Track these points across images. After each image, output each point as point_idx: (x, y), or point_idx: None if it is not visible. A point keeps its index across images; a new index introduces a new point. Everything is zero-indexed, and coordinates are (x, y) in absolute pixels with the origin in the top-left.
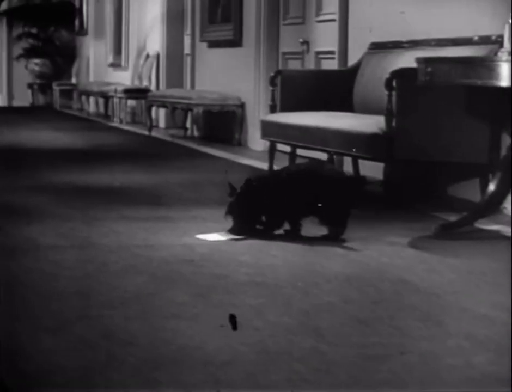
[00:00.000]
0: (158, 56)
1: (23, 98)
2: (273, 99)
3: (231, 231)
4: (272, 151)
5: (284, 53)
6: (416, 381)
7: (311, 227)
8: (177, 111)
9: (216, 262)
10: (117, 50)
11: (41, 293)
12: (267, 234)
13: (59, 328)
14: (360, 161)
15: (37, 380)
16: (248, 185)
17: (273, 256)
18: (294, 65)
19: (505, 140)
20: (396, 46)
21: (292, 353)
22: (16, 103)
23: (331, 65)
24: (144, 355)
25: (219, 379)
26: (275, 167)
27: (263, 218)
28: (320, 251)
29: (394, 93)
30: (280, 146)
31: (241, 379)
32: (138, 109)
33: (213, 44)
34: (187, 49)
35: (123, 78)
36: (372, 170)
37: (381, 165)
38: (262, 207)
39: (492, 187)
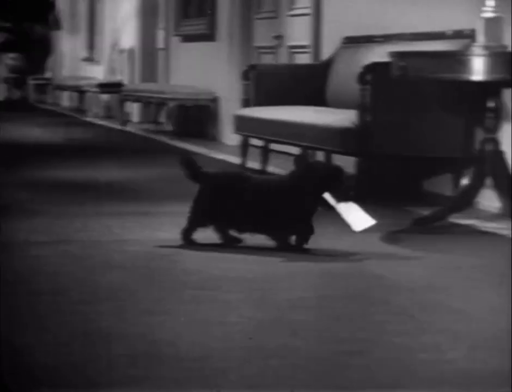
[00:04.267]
0: (132, 50)
1: None
2: (246, 93)
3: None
4: (245, 145)
5: (258, 47)
6: (389, 377)
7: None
8: (151, 105)
9: (190, 257)
10: (91, 45)
11: (16, 290)
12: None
13: (33, 325)
14: (333, 155)
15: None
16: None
17: (246, 250)
18: (267, 59)
19: (479, 134)
20: (370, 40)
21: (265, 348)
22: None
23: (304, 59)
24: (118, 351)
25: (193, 375)
26: (248, 161)
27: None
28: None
29: (367, 87)
30: (254, 141)
31: (214, 374)
32: (113, 103)
33: (187, 38)
34: (160, 44)
35: (97, 73)
36: (345, 164)
37: (354, 160)
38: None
39: (465, 181)
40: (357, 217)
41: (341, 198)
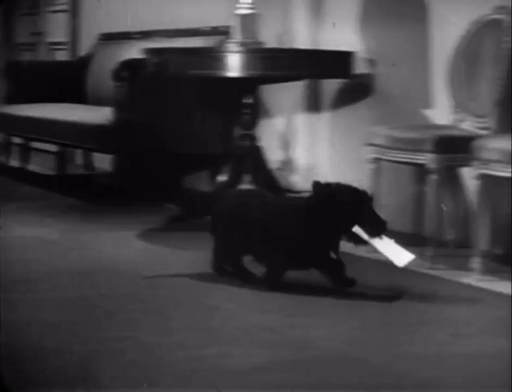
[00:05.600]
0: None
1: None
2: (6, 91)
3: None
4: (8, 144)
5: (19, 44)
6: (144, 376)
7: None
8: None
9: None
10: None
11: None
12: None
13: None
14: (94, 153)
15: None
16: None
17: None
18: (28, 56)
19: (237, 130)
20: (126, 36)
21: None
22: None
23: (64, 56)
24: None
25: None
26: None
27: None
28: (50, 246)
29: (122, 84)
30: (18, 139)
31: None
32: None
33: None
34: None
35: None
36: (105, 162)
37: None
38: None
39: (223, 177)
40: (396, 252)
41: (374, 233)
